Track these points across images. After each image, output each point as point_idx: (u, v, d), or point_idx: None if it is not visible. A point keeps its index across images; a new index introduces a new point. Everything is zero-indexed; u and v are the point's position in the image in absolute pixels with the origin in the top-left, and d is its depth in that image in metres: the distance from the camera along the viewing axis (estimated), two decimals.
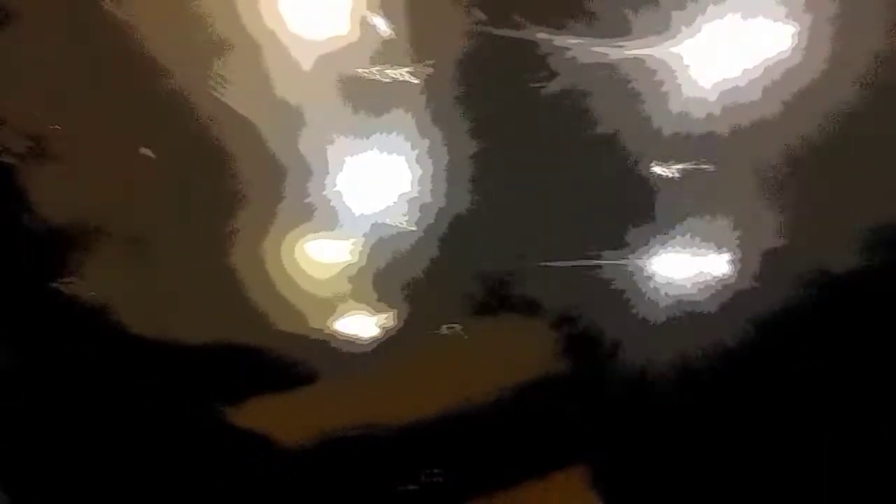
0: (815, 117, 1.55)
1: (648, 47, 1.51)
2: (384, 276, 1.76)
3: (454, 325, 1.78)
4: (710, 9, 1.49)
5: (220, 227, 1.72)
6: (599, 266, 1.71)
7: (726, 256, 1.70)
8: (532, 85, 1.56)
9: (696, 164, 1.61)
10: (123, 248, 1.77)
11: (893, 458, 1.78)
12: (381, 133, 1.63)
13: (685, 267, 1.72)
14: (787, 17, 1.49)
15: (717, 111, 1.56)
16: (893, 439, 1.78)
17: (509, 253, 1.72)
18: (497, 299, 1.78)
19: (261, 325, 1.79)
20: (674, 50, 1.51)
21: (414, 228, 1.71)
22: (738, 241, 1.69)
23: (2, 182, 1.70)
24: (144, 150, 1.64)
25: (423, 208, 1.69)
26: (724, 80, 1.54)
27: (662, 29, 1.50)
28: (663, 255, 1.71)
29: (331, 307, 1.80)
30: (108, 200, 1.74)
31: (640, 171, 1.63)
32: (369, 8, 1.54)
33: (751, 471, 1.82)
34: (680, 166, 1.61)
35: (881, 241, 1.67)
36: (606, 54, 1.52)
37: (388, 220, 1.71)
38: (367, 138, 1.64)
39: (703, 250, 1.71)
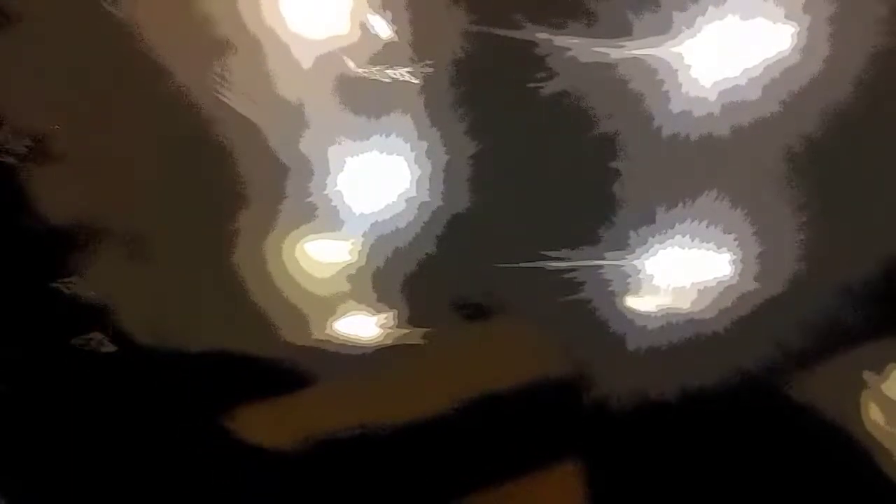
0: (816, 117, 1.55)
1: (649, 47, 1.51)
2: (384, 276, 1.76)
3: (452, 326, 1.79)
4: (711, 9, 1.49)
5: (220, 226, 1.72)
6: (601, 267, 1.71)
7: (727, 257, 1.70)
8: (532, 85, 1.56)
9: (696, 164, 1.61)
10: (123, 248, 1.77)
11: None
12: (381, 133, 1.63)
13: (685, 268, 1.72)
14: (786, 17, 1.49)
15: (717, 111, 1.56)
16: None
17: (510, 253, 1.72)
18: (497, 300, 1.78)
19: (261, 324, 1.79)
20: (675, 50, 1.52)
21: (414, 228, 1.71)
22: (737, 242, 1.69)
23: (2, 182, 1.70)
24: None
25: (423, 208, 1.69)
26: (724, 79, 1.54)
27: (663, 29, 1.50)
28: (663, 255, 1.71)
29: (331, 307, 1.80)
30: (108, 200, 1.74)
31: (640, 172, 1.63)
32: (369, 8, 1.54)
33: (749, 474, 1.81)
34: (681, 166, 1.62)
35: (882, 241, 1.67)
36: (607, 54, 1.52)
37: (388, 220, 1.71)
38: (368, 138, 1.64)
39: (702, 251, 1.71)
